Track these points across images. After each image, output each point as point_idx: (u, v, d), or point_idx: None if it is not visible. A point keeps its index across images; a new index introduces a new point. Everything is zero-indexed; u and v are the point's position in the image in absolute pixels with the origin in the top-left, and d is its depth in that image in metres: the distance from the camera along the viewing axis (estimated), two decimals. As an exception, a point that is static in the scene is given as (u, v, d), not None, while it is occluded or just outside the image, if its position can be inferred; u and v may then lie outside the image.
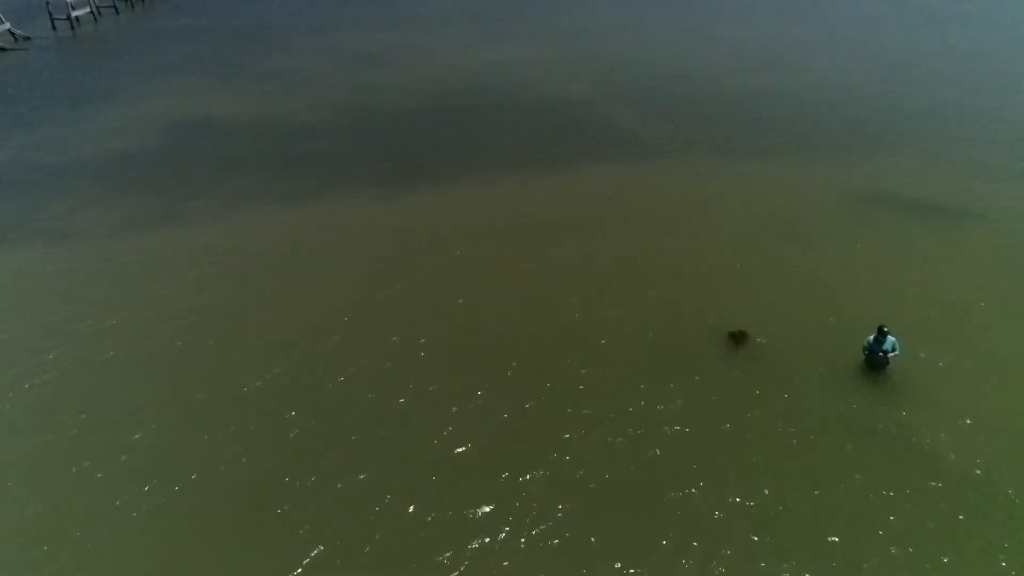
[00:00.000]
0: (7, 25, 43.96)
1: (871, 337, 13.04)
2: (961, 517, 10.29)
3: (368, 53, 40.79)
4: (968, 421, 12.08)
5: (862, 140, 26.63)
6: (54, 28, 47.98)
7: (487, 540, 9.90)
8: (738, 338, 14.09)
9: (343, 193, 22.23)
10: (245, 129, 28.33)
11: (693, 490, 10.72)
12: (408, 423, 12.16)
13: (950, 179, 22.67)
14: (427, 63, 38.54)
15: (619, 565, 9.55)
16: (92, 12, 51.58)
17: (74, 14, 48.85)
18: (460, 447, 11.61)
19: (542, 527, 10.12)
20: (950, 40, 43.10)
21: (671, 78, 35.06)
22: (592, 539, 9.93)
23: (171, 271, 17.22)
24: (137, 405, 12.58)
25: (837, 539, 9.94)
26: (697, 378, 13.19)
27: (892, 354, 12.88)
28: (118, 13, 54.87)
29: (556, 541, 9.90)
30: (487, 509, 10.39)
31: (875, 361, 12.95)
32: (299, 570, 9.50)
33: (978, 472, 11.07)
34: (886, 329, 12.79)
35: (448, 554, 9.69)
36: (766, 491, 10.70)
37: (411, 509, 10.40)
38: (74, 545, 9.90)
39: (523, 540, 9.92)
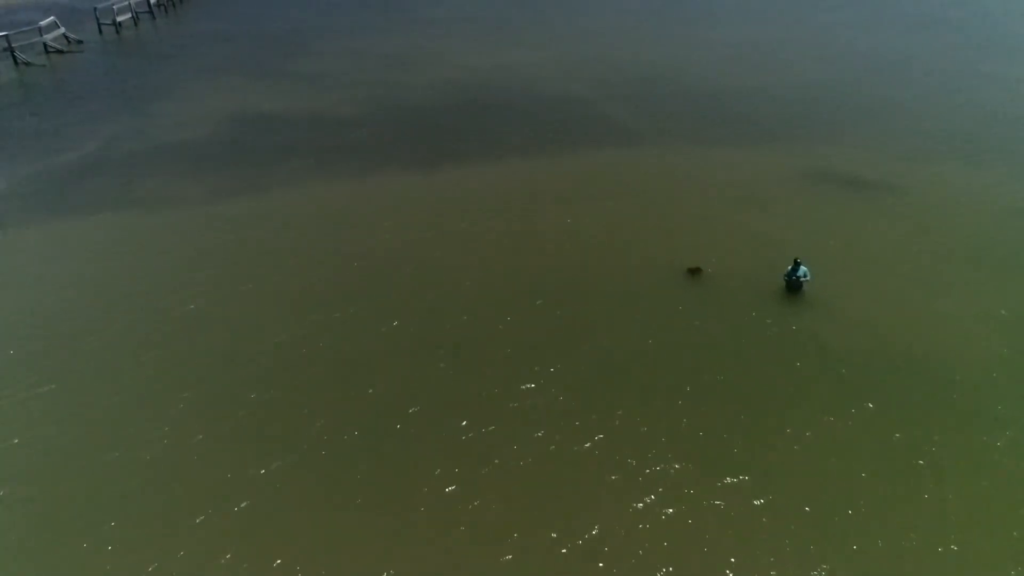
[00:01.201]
0: (62, 30, 48.64)
1: (789, 267, 17.75)
2: (837, 380, 15.01)
3: (390, 55, 45.46)
4: (854, 325, 16.81)
5: (819, 130, 31.34)
6: (100, 32, 52.61)
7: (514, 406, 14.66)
8: (694, 272, 18.81)
9: (380, 173, 26.94)
10: (290, 121, 33.04)
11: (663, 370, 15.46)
12: (465, 329, 16.89)
13: (883, 161, 27.40)
14: (443, 64, 43.21)
15: (602, 437, 14.28)
16: (132, 17, 56.25)
17: (119, 19, 53.56)
18: (505, 347, 16.34)
19: (543, 405, 14.86)
20: (914, 46, 47.72)
21: (659, 78, 39.73)
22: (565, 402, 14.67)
23: (258, 227, 21.96)
24: (262, 313, 17.31)
25: (753, 393, 14.67)
26: (663, 300, 17.91)
27: (804, 280, 17.59)
28: (154, 18, 59.51)
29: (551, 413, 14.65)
30: (522, 385, 15.14)
31: (791, 284, 17.67)
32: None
33: (856, 357, 15.79)
34: (799, 260, 17.52)
35: (464, 423, 14.42)
36: (708, 364, 15.43)
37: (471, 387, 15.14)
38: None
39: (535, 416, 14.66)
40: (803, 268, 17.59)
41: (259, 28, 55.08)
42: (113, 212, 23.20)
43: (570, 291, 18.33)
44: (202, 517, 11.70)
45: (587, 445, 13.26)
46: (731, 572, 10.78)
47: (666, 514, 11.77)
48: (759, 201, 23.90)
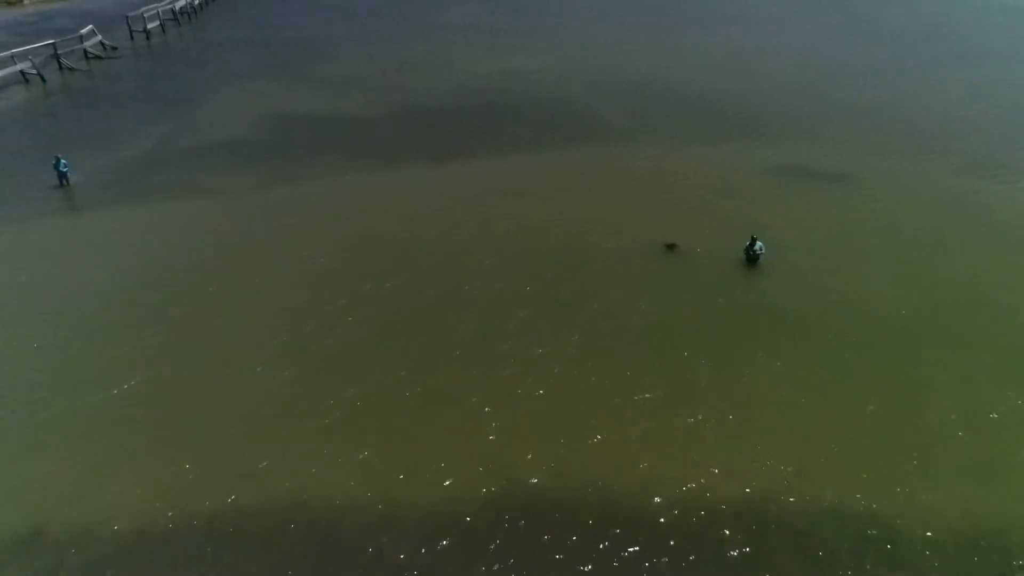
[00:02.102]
0: (99, 37, 52.47)
1: (747, 243, 21.53)
2: (784, 329, 18.80)
3: (404, 61, 49.26)
4: (801, 288, 20.59)
5: (791, 129, 35.12)
6: (132, 39, 56.48)
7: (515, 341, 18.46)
8: (671, 248, 22.60)
9: (402, 165, 30.77)
10: (319, 121, 36.87)
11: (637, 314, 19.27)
12: (484, 295, 20.69)
13: (845, 157, 31.17)
14: (453, 69, 47.02)
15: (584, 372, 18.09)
16: (160, 25, 60.07)
17: (148, 27, 57.43)
18: (522, 307, 20.14)
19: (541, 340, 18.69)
20: (889, 52, 51.47)
21: (649, 82, 43.51)
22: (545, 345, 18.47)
23: (302, 213, 25.78)
24: (305, 280, 21.13)
25: (716, 340, 18.46)
26: (645, 269, 21.70)
27: (760, 252, 21.36)
28: (179, 25, 63.36)
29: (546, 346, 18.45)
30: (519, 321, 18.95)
31: (749, 256, 21.45)
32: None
33: (801, 312, 19.58)
34: (755, 237, 21.30)
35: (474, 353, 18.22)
36: (680, 319, 19.23)
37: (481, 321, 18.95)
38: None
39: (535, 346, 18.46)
40: (759, 243, 21.36)
41: (279, 35, 58.89)
42: (182, 200, 27.03)
43: (568, 263, 22.11)
44: (309, 420, 15.51)
45: (589, 380, 17.03)
46: (694, 470, 14.53)
47: (646, 430, 15.50)
48: (731, 190, 27.67)
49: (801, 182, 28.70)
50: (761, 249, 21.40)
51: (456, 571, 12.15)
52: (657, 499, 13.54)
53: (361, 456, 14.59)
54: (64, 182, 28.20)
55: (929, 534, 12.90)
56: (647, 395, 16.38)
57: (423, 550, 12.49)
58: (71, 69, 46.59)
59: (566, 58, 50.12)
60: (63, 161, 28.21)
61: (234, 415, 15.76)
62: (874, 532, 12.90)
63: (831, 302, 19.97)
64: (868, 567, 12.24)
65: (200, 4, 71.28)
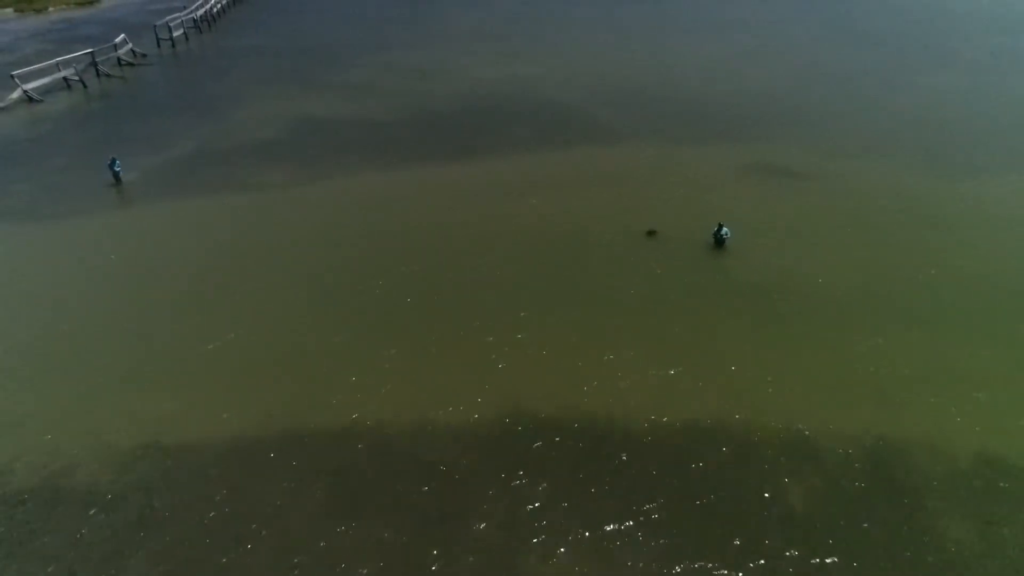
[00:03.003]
0: (130, 45, 56.39)
1: (714, 229, 25.35)
2: (742, 300, 22.63)
3: (415, 68, 53.08)
4: (759, 266, 24.41)
5: (767, 132, 38.88)
6: (159, 46, 60.36)
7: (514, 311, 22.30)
8: (652, 233, 26.40)
9: (416, 163, 34.61)
10: (340, 124, 40.72)
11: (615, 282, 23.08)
12: (494, 273, 24.50)
13: (810, 156, 34.95)
14: (461, 76, 50.84)
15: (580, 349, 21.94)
16: (184, 33, 63.95)
17: (174, 35, 61.32)
18: (527, 283, 23.96)
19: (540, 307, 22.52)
20: (864, 60, 55.15)
21: (639, 89, 47.28)
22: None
23: (333, 204, 29.65)
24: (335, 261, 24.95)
25: (685, 307, 22.28)
26: (629, 250, 25.52)
27: (725, 236, 25.15)
28: (200, 33, 67.21)
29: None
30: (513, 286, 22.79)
31: (716, 240, 25.25)
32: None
33: (757, 285, 23.39)
34: (721, 223, 25.12)
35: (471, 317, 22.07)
36: (656, 291, 23.05)
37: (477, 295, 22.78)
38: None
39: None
40: (725, 229, 25.16)
41: (295, 44, 62.67)
42: (228, 194, 30.97)
43: (566, 247, 25.93)
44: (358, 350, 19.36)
45: (585, 339, 20.83)
46: (670, 405, 18.32)
47: (631, 377, 19.31)
48: (707, 185, 31.49)
49: (769, 178, 32.49)
50: (727, 234, 25.20)
51: (476, 467, 15.99)
52: (638, 425, 17.39)
53: (402, 391, 18.46)
54: (118, 180, 32.04)
55: (841, 450, 16.71)
56: (631, 352, 20.19)
57: (451, 453, 16.35)
58: (108, 75, 50.50)
59: (566, 65, 53.93)
60: (117, 161, 32.06)
61: (304, 362, 19.69)
62: (799, 448, 16.72)
63: (784, 277, 23.78)
64: (790, 473, 16.05)
65: (218, 12, 75.17)
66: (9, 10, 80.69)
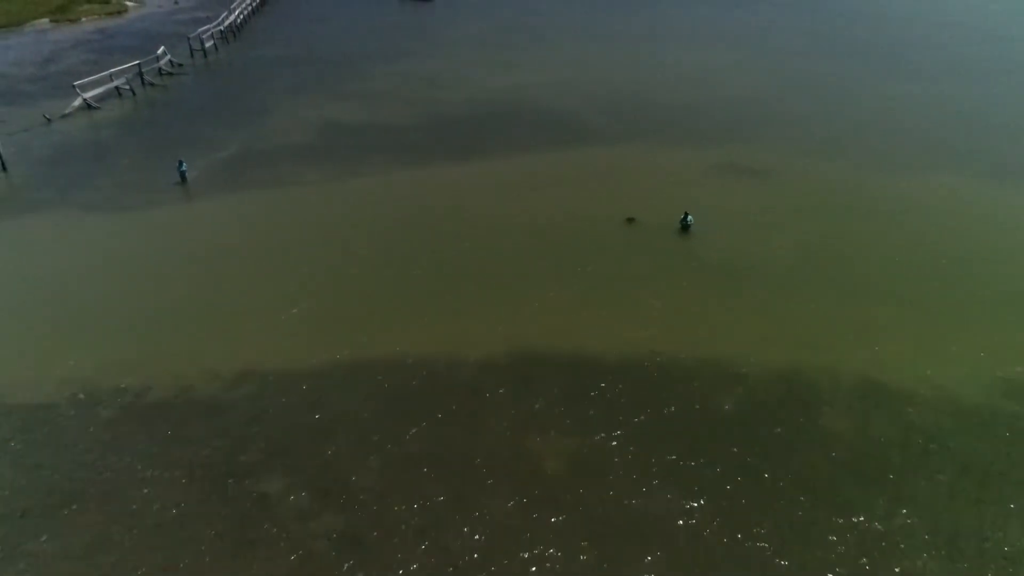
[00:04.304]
0: (168, 56, 62.11)
1: (681, 216, 31.07)
2: (704, 274, 28.34)
3: (426, 77, 58.72)
4: (718, 247, 30.12)
5: (740, 134, 44.53)
6: (192, 56, 66.03)
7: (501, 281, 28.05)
8: (630, 221, 32.12)
9: (434, 162, 40.37)
10: (364, 128, 46.46)
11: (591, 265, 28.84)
12: (498, 254, 30.23)
13: (774, 157, 40.63)
14: (468, 85, 56.49)
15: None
16: (214, 44, 69.63)
17: (205, 45, 67.05)
18: (526, 260, 29.69)
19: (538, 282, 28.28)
20: (837, 69, 60.70)
21: (630, 96, 52.91)
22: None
23: (365, 196, 35.42)
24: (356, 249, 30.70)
25: (655, 280, 28.02)
26: (609, 235, 31.26)
27: (690, 223, 30.85)
28: (227, 43, 72.89)
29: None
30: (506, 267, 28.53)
31: (683, 225, 30.97)
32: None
33: (716, 262, 29.11)
34: (687, 212, 30.85)
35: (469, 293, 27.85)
36: (631, 268, 28.77)
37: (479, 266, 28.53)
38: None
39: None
40: (689, 216, 30.89)
41: (315, 54, 68.12)
42: (275, 189, 36.76)
43: (558, 232, 31.66)
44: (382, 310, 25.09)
45: (576, 305, 26.53)
46: (649, 354, 24.02)
47: (603, 332, 25.02)
48: (679, 181, 37.20)
49: (735, 174, 38.18)
50: (691, 221, 30.90)
51: (494, 387, 21.76)
52: (613, 359, 23.14)
53: (432, 336, 24.25)
54: (183, 179, 37.72)
55: (764, 376, 22.43)
56: (609, 311, 25.91)
57: (477, 378, 22.14)
58: (152, 84, 56.26)
59: (563, 74, 59.58)
60: (183, 163, 37.79)
61: (361, 317, 25.53)
62: (730, 374, 22.46)
63: (735, 256, 29.50)
64: (723, 390, 21.78)
65: (241, 23, 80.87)
66: (45, 20, 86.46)
